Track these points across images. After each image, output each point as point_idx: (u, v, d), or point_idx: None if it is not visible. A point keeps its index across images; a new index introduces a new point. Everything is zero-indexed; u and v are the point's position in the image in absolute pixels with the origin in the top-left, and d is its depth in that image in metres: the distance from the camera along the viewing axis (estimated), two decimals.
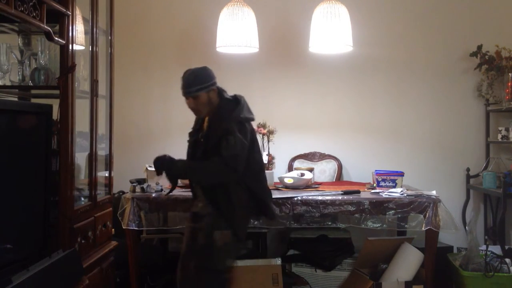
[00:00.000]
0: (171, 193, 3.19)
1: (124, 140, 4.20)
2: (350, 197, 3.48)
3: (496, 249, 3.85)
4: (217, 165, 2.80)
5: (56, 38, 2.51)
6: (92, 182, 2.95)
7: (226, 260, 2.94)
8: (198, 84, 2.88)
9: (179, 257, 3.00)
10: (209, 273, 2.86)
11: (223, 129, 2.82)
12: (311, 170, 4.01)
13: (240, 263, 3.65)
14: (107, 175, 3.28)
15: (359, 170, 4.43)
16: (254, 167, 2.96)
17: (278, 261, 3.61)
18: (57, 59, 2.69)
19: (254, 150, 2.97)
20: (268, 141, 4.00)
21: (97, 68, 3.02)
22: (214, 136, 2.86)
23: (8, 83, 2.74)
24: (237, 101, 2.95)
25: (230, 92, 4.37)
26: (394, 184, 3.74)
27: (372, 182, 3.95)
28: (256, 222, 3.38)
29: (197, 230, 2.92)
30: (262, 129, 4.01)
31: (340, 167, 4.41)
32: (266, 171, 3.90)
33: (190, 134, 3.10)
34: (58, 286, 2.27)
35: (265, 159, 3.92)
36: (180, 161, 2.93)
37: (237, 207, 2.87)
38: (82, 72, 2.95)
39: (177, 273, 2.99)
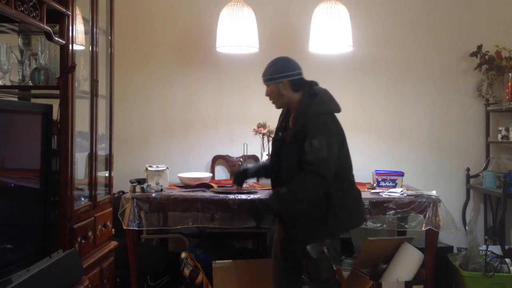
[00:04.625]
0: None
1: (124, 140, 4.20)
2: None
3: (496, 249, 3.85)
4: (305, 180, 2.69)
5: (56, 38, 2.51)
6: (92, 182, 2.95)
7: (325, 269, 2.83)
8: (269, 73, 2.88)
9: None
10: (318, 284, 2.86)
11: (304, 133, 2.70)
12: None
13: (240, 263, 3.66)
14: (107, 175, 3.28)
15: (359, 170, 4.40)
16: (339, 172, 2.77)
17: None
18: (57, 59, 2.69)
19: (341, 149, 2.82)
20: (268, 141, 4.00)
21: (97, 68, 3.02)
22: (296, 137, 2.76)
23: (8, 83, 2.74)
24: (314, 95, 2.83)
25: (230, 92, 4.45)
26: (394, 184, 3.75)
27: (372, 182, 3.95)
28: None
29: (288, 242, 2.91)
30: (262, 129, 4.01)
31: None
32: None
33: (276, 131, 3.01)
34: (58, 286, 2.27)
35: (265, 159, 3.92)
36: (272, 198, 2.81)
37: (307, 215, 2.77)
38: (82, 72, 2.95)
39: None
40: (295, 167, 2.74)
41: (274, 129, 3.08)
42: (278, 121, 3.06)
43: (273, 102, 2.94)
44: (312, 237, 2.76)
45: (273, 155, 2.98)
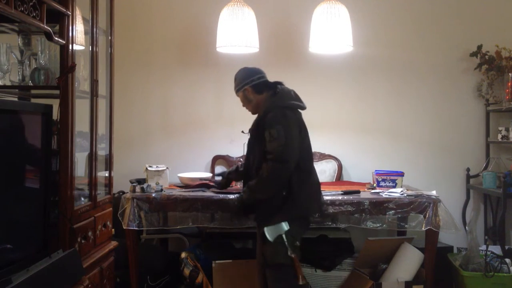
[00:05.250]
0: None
1: (124, 140, 4.20)
2: (350, 197, 3.48)
3: (496, 249, 3.85)
4: (268, 168, 2.86)
5: (56, 38, 2.51)
6: (92, 182, 2.95)
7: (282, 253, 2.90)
8: (235, 86, 3.15)
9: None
10: (272, 268, 2.92)
11: (264, 124, 2.91)
12: None
13: (240, 263, 3.66)
14: (107, 175, 3.28)
15: (359, 170, 4.43)
16: (300, 163, 2.95)
17: None
18: (57, 59, 2.68)
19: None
20: None
21: (97, 68, 3.02)
22: (255, 131, 3.00)
23: (8, 83, 2.74)
24: (273, 93, 3.03)
25: (230, 92, 4.41)
26: (394, 184, 3.75)
27: (372, 182, 3.95)
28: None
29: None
30: None
31: (340, 167, 4.41)
32: None
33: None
34: (58, 286, 2.27)
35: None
36: (245, 192, 3.03)
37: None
38: (82, 72, 2.95)
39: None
40: (260, 159, 2.94)
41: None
42: None
43: (248, 109, 3.17)
44: (269, 220, 2.90)
45: (247, 154, 3.18)
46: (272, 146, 2.84)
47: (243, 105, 3.17)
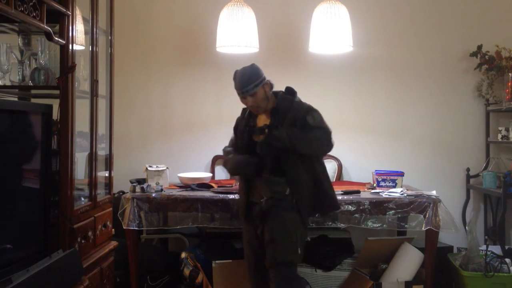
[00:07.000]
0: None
1: (124, 140, 4.20)
2: (350, 197, 3.48)
3: (496, 249, 3.85)
4: (320, 134, 2.86)
5: (56, 38, 2.51)
6: (92, 182, 2.95)
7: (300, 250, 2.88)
8: (252, 81, 2.89)
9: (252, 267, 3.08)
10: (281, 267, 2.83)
11: (301, 111, 2.88)
12: None
13: (240, 263, 3.66)
14: (107, 175, 3.28)
15: (359, 170, 4.42)
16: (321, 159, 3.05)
17: None
18: (57, 59, 2.69)
19: None
20: None
21: (97, 68, 3.02)
22: (288, 121, 2.86)
23: (8, 83, 2.74)
24: (292, 91, 3.00)
25: (230, 92, 4.41)
26: (394, 184, 3.75)
27: (372, 182, 3.95)
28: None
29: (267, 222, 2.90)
30: None
31: (340, 167, 4.41)
32: None
33: (240, 134, 3.04)
34: (58, 286, 2.27)
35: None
36: (284, 131, 2.83)
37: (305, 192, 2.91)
38: (82, 72, 2.95)
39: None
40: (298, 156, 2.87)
41: (237, 134, 3.09)
42: (242, 126, 3.05)
43: (259, 108, 2.96)
44: (290, 211, 2.87)
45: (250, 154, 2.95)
46: (319, 124, 2.87)
47: (254, 103, 2.90)
